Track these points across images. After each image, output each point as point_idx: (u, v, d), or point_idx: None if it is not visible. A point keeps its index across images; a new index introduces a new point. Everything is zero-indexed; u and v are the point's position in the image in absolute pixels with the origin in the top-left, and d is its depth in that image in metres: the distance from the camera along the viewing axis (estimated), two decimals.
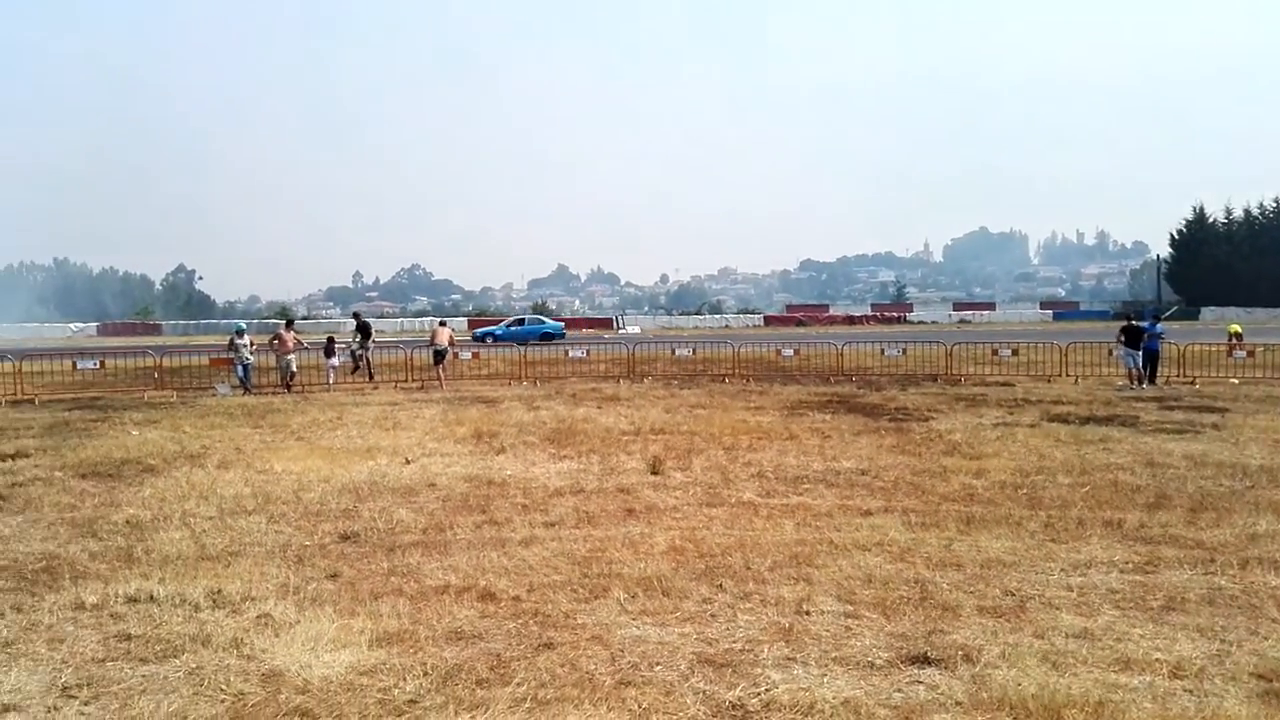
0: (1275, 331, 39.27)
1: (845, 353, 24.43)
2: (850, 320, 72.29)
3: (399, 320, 76.85)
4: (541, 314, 74.93)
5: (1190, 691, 4.59)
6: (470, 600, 6.01)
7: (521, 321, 48.49)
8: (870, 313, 77.86)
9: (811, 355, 26.15)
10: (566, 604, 5.94)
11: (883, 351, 25.60)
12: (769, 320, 74.51)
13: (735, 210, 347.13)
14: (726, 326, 69.36)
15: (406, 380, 22.19)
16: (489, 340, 39.87)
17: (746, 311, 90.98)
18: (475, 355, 27.00)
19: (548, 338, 43.01)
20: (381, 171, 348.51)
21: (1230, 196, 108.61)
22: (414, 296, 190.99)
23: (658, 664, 4.96)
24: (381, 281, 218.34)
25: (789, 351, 26.57)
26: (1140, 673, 4.81)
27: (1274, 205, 76.36)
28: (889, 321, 71.49)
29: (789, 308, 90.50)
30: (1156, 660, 4.96)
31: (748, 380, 21.93)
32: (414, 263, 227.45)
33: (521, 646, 5.22)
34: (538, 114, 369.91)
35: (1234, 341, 25.13)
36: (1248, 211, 77.58)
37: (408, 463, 11.05)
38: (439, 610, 5.80)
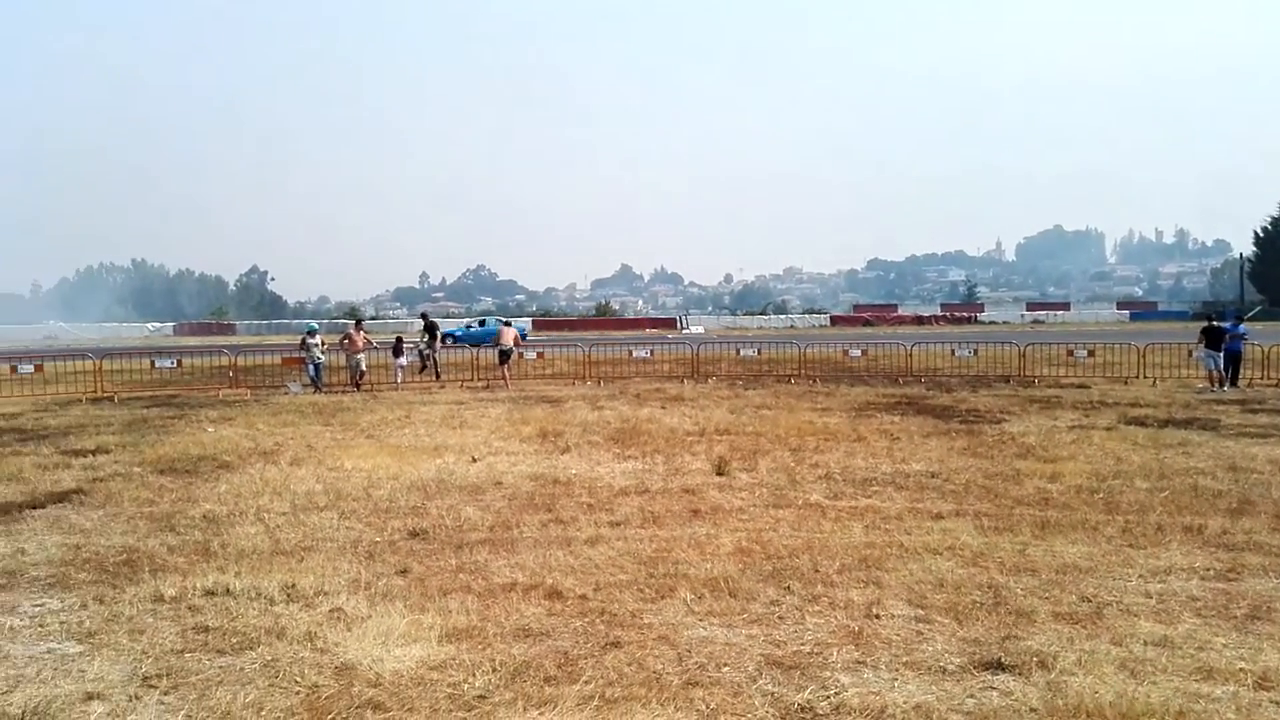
0: None
1: (914, 353, 24.03)
2: (919, 320, 71.16)
3: (464, 320, 77.86)
4: (604, 314, 75.15)
5: (1277, 703, 4.41)
6: (537, 598, 6.05)
7: (483, 323, 48.34)
8: (940, 313, 76.59)
9: (879, 356, 25.80)
10: (633, 603, 5.94)
11: (953, 352, 25.12)
12: (835, 320, 73.71)
13: (800, 208, 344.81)
14: (792, 327, 68.86)
15: (472, 380, 22.51)
16: (449, 341, 39.82)
17: (812, 311, 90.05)
18: (540, 355, 27.25)
19: None
20: (447, 172, 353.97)
21: None
22: (479, 297, 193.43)
23: (725, 665, 4.93)
24: (448, 282, 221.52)
25: (856, 352, 26.21)
26: (1223, 682, 4.64)
27: None
28: (959, 322, 70.15)
29: (856, 307, 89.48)
30: (1240, 670, 4.78)
31: (814, 381, 21.72)
32: (479, 263, 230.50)
33: (589, 645, 5.23)
34: (598, 113, 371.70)
35: None
36: None
37: (474, 461, 11.19)
38: (507, 607, 5.85)
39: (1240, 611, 5.69)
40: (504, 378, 21.63)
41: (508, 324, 24.68)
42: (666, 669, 4.87)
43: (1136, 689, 4.54)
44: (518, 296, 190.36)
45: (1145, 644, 5.16)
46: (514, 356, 22.64)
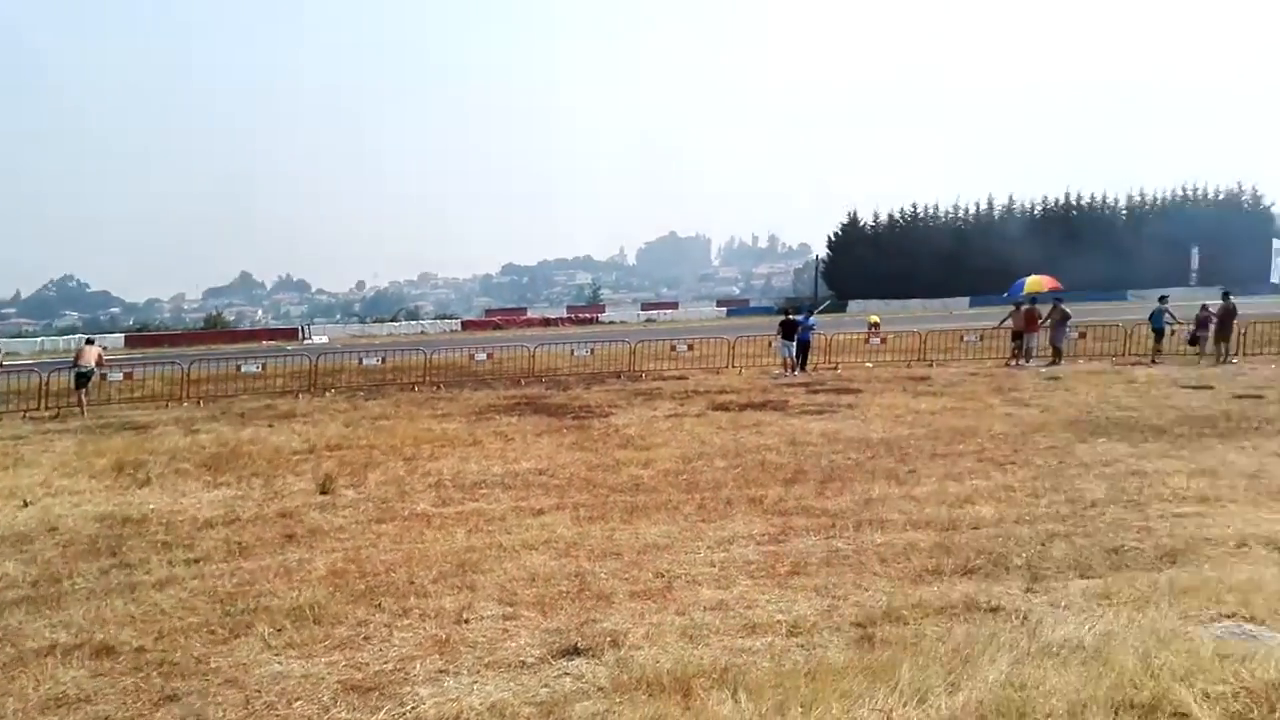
0: (905, 320, 45.39)
1: (537, 355, 24.74)
2: (546, 322, 73.47)
3: (38, 340, 66.81)
4: (215, 326, 69.12)
5: (802, 646, 5.04)
6: (81, 659, 5.25)
7: None
8: (565, 314, 79.73)
9: (504, 359, 26.14)
10: (200, 648, 5.38)
11: (572, 352, 26.18)
12: (466, 325, 73.77)
13: (438, 214, 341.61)
14: (423, 333, 67.75)
15: (39, 408, 19.33)
16: None
17: (444, 317, 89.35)
18: (128, 376, 24.09)
19: None
20: (35, 171, 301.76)
21: (878, 204, 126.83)
22: (63, 311, 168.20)
23: (298, 699, 4.62)
24: (23, 296, 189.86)
25: (482, 356, 26.34)
26: (763, 635, 5.22)
27: (910, 212, 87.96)
28: (583, 323, 73.43)
29: (487, 311, 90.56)
30: (778, 622, 5.41)
31: (438, 387, 21.50)
32: (66, 273, 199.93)
33: (138, 704, 4.64)
34: (223, 118, 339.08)
35: (872, 330, 28.54)
36: (891, 216, 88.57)
37: (25, 505, 9.57)
38: (38, 675, 5.01)
39: (784, 569, 6.46)
40: (80, 403, 18.82)
41: (90, 341, 21.41)
42: (230, 715, 4.47)
43: (692, 652, 4.95)
44: (112, 309, 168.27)
45: (705, 610, 5.66)
46: (95, 378, 19.76)
